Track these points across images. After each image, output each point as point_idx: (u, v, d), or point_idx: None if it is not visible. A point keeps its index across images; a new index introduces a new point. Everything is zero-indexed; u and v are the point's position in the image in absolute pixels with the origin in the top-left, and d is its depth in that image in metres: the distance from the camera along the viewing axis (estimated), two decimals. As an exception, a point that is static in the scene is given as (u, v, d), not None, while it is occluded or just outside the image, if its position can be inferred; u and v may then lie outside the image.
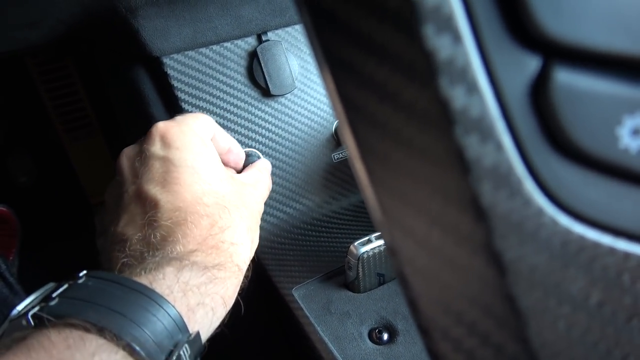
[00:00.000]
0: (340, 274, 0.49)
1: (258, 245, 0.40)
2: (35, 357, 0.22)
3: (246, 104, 0.53)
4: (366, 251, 0.44)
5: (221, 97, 0.52)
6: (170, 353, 0.26)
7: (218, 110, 0.52)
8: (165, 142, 0.37)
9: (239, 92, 0.53)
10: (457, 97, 0.13)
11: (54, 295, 0.26)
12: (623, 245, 0.14)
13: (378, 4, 0.13)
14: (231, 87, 0.52)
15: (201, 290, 0.30)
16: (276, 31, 0.54)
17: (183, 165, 0.35)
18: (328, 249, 0.53)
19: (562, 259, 0.14)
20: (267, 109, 0.54)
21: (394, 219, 0.16)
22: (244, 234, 0.37)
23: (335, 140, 0.57)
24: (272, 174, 0.54)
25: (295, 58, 0.54)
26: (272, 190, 0.52)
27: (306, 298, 0.47)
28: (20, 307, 0.26)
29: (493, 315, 0.15)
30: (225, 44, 0.52)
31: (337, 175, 0.58)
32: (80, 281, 0.27)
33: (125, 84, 0.54)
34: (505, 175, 0.14)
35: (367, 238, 0.45)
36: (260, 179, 0.44)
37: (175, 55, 0.50)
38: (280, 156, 0.55)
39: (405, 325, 0.44)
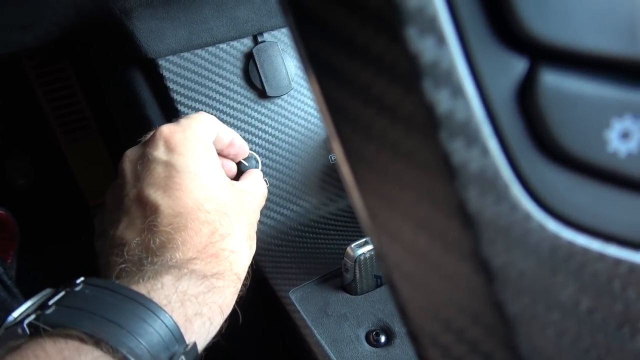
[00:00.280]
0: (337, 276, 0.49)
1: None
2: None
3: (242, 105, 0.53)
4: (363, 253, 0.44)
5: (217, 98, 0.52)
6: None
7: (214, 112, 0.52)
8: (169, 147, 0.36)
9: (235, 94, 0.52)
10: (442, 100, 0.13)
11: (51, 302, 0.26)
12: (613, 251, 0.14)
13: (360, 5, 0.13)
14: (227, 88, 0.52)
15: (199, 299, 0.30)
16: (272, 32, 0.54)
17: (185, 171, 0.35)
18: (325, 251, 0.52)
19: (550, 265, 0.14)
20: (263, 110, 0.54)
21: (381, 224, 0.16)
22: (244, 241, 0.36)
23: (333, 141, 0.57)
24: (269, 175, 0.54)
25: (291, 59, 0.54)
26: (269, 192, 0.51)
27: (303, 300, 0.47)
28: (16, 314, 0.26)
29: (481, 322, 0.15)
30: (221, 45, 0.52)
31: (334, 177, 0.58)
32: (77, 289, 0.27)
33: (121, 86, 0.53)
34: (491, 180, 0.13)
35: (364, 240, 0.45)
36: (258, 187, 0.43)
37: (170, 57, 0.50)
38: (276, 157, 0.54)
39: (402, 328, 0.43)
